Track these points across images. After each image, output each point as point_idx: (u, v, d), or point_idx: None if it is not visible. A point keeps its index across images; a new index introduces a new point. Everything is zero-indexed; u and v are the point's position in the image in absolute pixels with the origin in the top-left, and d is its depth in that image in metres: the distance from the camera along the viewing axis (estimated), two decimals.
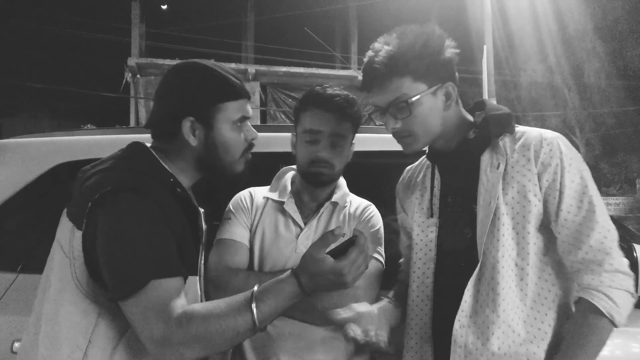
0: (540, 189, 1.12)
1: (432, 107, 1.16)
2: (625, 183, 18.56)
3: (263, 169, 1.57)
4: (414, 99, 1.13)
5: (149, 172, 1.04)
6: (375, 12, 14.68)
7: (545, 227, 1.13)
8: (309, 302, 1.26)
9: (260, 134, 1.98)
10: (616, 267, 1.06)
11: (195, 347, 0.92)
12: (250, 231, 1.40)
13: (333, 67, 15.74)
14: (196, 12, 15.46)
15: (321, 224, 1.42)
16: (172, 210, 1.02)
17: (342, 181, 1.50)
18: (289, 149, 1.49)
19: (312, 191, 1.43)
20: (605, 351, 1.07)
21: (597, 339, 1.05)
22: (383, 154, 1.82)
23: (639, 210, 16.00)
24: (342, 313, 1.16)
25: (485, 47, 10.13)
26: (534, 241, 1.12)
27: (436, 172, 1.28)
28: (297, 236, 1.39)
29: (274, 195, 1.44)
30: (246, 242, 1.38)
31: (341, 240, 1.05)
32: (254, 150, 1.86)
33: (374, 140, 1.88)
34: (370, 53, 1.17)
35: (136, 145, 1.10)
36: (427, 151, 1.32)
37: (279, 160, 1.60)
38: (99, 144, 1.81)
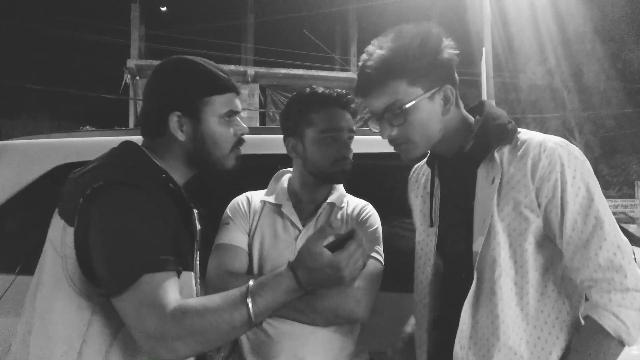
0: (539, 205, 1.05)
1: (429, 112, 1.10)
2: (624, 185, 18.57)
3: (263, 170, 1.57)
4: (409, 104, 1.08)
5: (141, 168, 1.04)
6: (374, 14, 14.71)
7: (547, 243, 1.07)
8: (309, 302, 1.27)
9: (259, 136, 2.00)
10: (627, 285, 0.98)
11: (190, 341, 0.90)
12: (249, 235, 1.40)
13: (332, 69, 15.77)
14: (196, 14, 15.48)
15: (319, 225, 1.42)
16: (165, 204, 1.02)
17: None
18: None
19: (313, 192, 1.43)
20: None
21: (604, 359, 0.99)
22: (385, 156, 1.81)
23: None
24: None
25: (484, 49, 10.14)
26: (534, 257, 1.06)
27: (436, 179, 1.25)
28: (296, 238, 1.39)
29: (271, 199, 1.44)
30: (245, 247, 1.38)
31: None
32: (254, 152, 1.88)
33: (377, 142, 1.87)
34: (364, 56, 1.12)
35: (127, 144, 1.10)
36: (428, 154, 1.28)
37: (278, 162, 1.60)
38: (98, 145, 1.81)
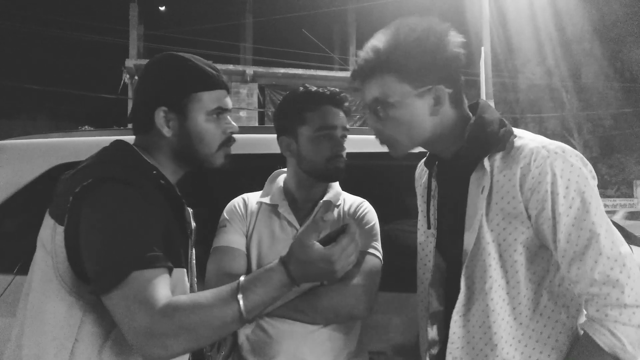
0: (529, 217, 1.01)
1: (415, 111, 1.06)
2: (622, 185, 18.61)
3: (262, 170, 1.57)
4: (392, 100, 1.05)
5: (131, 165, 1.03)
6: (373, 14, 14.71)
7: (543, 253, 1.04)
8: (309, 301, 1.27)
9: (258, 136, 1.99)
10: (625, 301, 0.93)
11: (181, 338, 0.89)
12: (247, 237, 1.40)
13: (331, 69, 15.77)
14: (194, 14, 15.48)
15: None
16: (157, 200, 1.01)
17: None
18: None
19: (308, 191, 1.43)
20: None
21: None
22: (384, 155, 1.81)
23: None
24: None
25: (483, 49, 10.15)
26: (527, 268, 1.03)
27: (433, 180, 1.22)
28: (294, 237, 1.39)
29: (267, 199, 1.44)
30: (243, 248, 1.38)
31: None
32: (252, 152, 1.87)
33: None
34: (364, 48, 1.11)
35: (117, 142, 1.10)
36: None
37: (277, 161, 1.60)
38: (97, 145, 1.80)
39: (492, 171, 1.05)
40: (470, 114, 1.14)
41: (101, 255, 0.92)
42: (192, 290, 1.18)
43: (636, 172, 18.04)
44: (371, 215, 1.44)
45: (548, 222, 0.99)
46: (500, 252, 1.04)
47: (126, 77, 14.44)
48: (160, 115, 1.07)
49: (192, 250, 1.20)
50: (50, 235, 0.98)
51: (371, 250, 1.36)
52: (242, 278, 0.96)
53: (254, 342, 1.33)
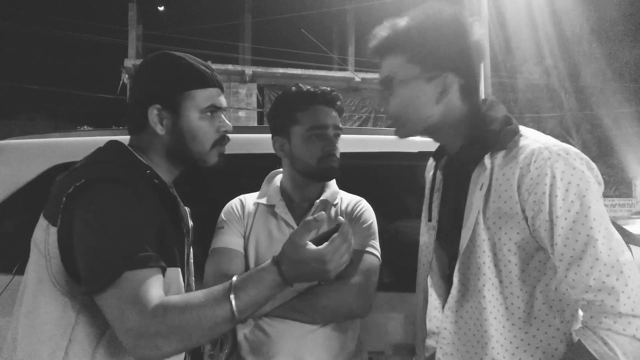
0: (526, 218, 1.00)
1: (419, 94, 1.06)
2: (621, 184, 18.63)
3: (261, 170, 1.57)
4: (399, 78, 1.07)
5: (125, 164, 1.03)
6: (372, 14, 14.70)
7: (541, 255, 1.03)
8: (309, 301, 1.27)
9: (257, 136, 1.99)
10: (619, 309, 0.91)
11: (172, 338, 0.89)
12: (244, 238, 1.40)
13: (330, 69, 15.76)
14: (193, 14, 15.46)
15: None
16: (150, 200, 1.01)
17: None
18: None
19: (304, 191, 1.43)
20: None
21: None
22: (384, 155, 1.81)
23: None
24: None
25: None
26: (520, 268, 1.02)
27: (439, 173, 1.22)
28: None
29: (264, 200, 1.44)
30: (241, 249, 1.39)
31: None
32: (252, 152, 1.87)
33: (375, 141, 1.88)
34: (384, 23, 1.12)
35: (111, 142, 1.10)
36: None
37: (276, 161, 1.60)
38: (96, 145, 1.80)
39: (492, 169, 1.05)
40: (480, 109, 1.13)
41: (94, 255, 0.92)
42: (189, 289, 1.18)
43: (635, 172, 18.07)
44: (369, 213, 1.44)
45: (545, 225, 0.97)
46: (495, 251, 1.03)
47: (125, 77, 14.43)
48: (153, 113, 1.08)
49: (189, 249, 1.19)
50: (43, 237, 0.98)
51: (369, 249, 1.36)
52: (234, 278, 0.95)
53: (253, 342, 1.33)
